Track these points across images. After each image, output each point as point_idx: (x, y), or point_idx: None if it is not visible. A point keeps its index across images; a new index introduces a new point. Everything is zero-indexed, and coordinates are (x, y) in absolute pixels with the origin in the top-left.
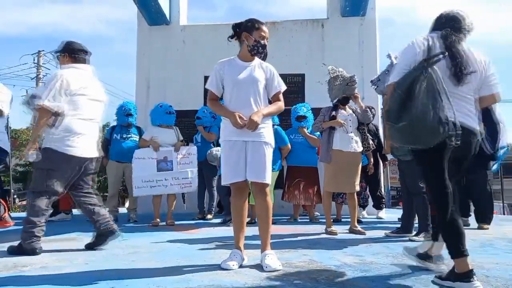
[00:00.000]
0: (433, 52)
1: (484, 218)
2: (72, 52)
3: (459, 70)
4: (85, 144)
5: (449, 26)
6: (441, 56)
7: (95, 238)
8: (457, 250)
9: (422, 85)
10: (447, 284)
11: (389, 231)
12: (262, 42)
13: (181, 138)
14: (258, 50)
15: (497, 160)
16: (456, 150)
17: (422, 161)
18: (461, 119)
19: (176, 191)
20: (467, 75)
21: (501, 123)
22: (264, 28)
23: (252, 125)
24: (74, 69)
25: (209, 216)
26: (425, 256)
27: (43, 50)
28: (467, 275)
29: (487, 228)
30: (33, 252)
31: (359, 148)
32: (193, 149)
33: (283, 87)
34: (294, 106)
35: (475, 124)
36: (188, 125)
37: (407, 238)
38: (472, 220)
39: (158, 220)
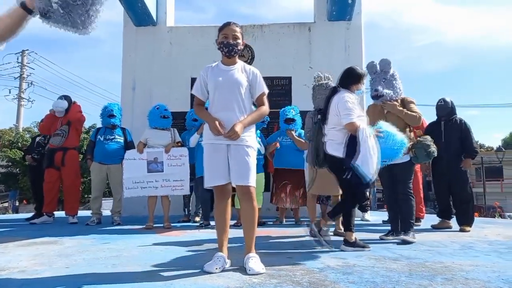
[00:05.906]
0: None
1: (466, 221)
2: None
3: None
4: None
5: None
6: None
7: None
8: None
9: None
10: None
11: (383, 234)
12: (225, 41)
13: (178, 139)
14: (223, 50)
15: None
16: None
17: None
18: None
19: (166, 193)
20: None
21: None
22: (229, 27)
23: (234, 136)
24: None
25: (197, 219)
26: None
27: (27, 50)
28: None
29: (469, 231)
30: None
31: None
32: (184, 150)
33: (266, 90)
34: (283, 109)
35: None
36: (175, 126)
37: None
38: (454, 222)
39: (152, 224)
